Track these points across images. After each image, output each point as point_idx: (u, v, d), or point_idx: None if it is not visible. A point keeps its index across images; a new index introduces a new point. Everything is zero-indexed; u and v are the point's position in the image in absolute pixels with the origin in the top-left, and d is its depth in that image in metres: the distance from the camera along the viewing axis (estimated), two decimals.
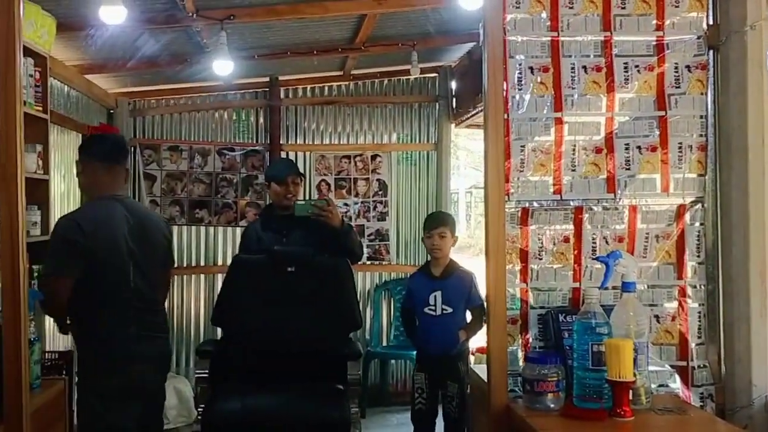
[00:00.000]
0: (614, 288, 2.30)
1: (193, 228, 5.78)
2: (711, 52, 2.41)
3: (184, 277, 5.77)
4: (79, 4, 3.62)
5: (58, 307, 2.91)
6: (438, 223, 3.89)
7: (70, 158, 4.65)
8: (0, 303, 2.04)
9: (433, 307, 3.75)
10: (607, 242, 2.37)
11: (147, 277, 2.96)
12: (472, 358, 4.69)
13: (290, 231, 3.77)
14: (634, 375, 2.05)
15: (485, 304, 3.64)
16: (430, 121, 6.04)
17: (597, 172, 2.37)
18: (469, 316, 3.82)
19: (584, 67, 2.36)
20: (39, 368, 2.37)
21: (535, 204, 2.35)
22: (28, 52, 3.47)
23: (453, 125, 6.10)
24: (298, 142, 5.92)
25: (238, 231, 5.67)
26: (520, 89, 2.35)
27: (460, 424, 3.71)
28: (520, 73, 2.35)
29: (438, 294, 3.75)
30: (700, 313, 2.40)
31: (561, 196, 2.36)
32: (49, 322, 4.19)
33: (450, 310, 3.73)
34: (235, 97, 5.86)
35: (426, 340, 3.79)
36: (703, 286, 2.40)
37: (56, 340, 4.39)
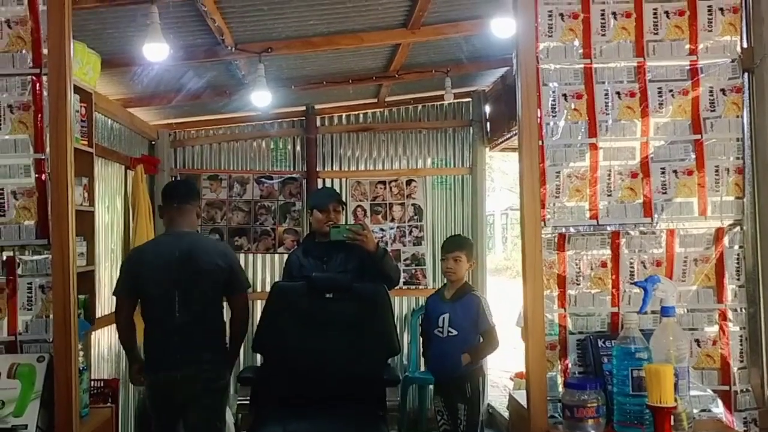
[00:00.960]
0: (653, 312, 2.28)
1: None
2: (746, 74, 2.39)
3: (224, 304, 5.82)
4: (123, 42, 3.74)
5: (118, 325, 3.55)
6: (453, 246, 4.00)
7: (114, 189, 4.78)
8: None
9: (441, 329, 3.84)
10: (645, 267, 2.36)
11: (191, 306, 3.14)
12: (511, 384, 4.67)
13: (330, 257, 3.82)
14: (675, 400, 2.03)
15: (494, 328, 3.74)
16: (464, 145, 6.09)
17: (633, 196, 2.36)
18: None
19: (618, 93, 2.37)
20: (87, 397, 2.42)
21: (572, 229, 2.35)
22: (75, 89, 3.57)
23: (487, 149, 6.13)
24: (334, 168, 6.01)
25: (277, 257, 5.77)
26: (554, 116, 2.36)
27: None
28: (553, 100, 2.36)
29: (446, 316, 3.84)
30: (741, 336, 2.37)
31: (597, 221, 2.35)
32: (94, 351, 4.28)
33: (455, 332, 3.81)
34: (272, 126, 5.98)
35: (434, 363, 3.90)
36: (743, 309, 2.37)
37: (102, 367, 4.48)
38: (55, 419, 2.06)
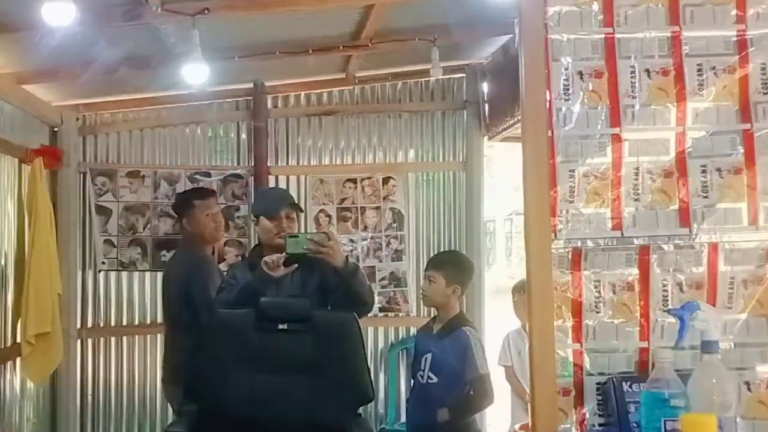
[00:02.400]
0: (692, 348, 2.31)
1: (159, 274, 5.81)
2: None
3: (148, 336, 5.84)
4: (16, 1, 3.70)
5: None
6: (429, 263, 4.14)
7: (4, 189, 4.75)
8: None
9: (422, 373, 3.90)
10: (681, 290, 2.39)
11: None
12: None
13: (283, 278, 3.82)
14: None
15: (487, 376, 3.76)
16: (457, 133, 6.14)
17: (666, 201, 2.39)
18: None
19: (647, 71, 2.40)
20: None
21: (590, 243, 2.37)
22: None
23: (485, 138, 6.16)
24: (290, 163, 6.04)
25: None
26: (567, 100, 2.38)
27: None
28: (566, 80, 2.38)
29: (429, 357, 3.89)
30: None
31: (622, 233, 2.37)
32: None
33: (435, 379, 3.85)
34: (210, 108, 5.99)
35: (409, 415, 4.01)
36: None
37: None
38: None
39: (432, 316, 4.18)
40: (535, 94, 2.32)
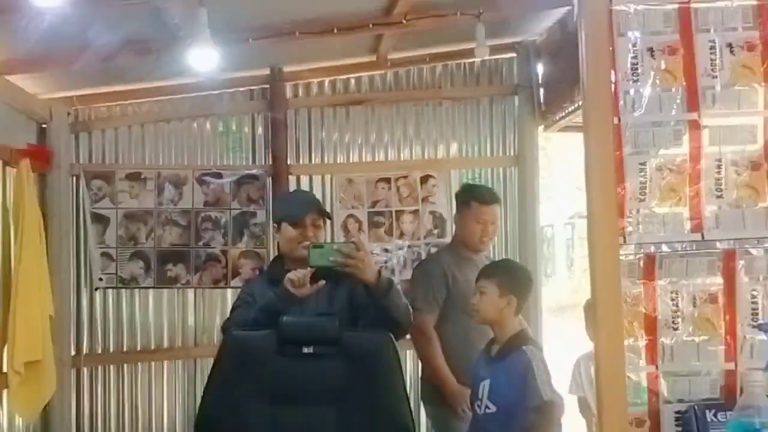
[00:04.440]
0: None
1: (165, 292, 5.90)
2: None
3: (153, 364, 5.88)
4: None
5: None
6: (480, 274, 4.10)
7: None
8: None
9: (480, 402, 3.89)
10: None
11: None
12: None
13: (308, 294, 3.85)
14: None
15: (552, 404, 3.75)
16: (507, 123, 6.15)
17: (755, 198, 2.39)
18: None
19: (729, 46, 2.41)
20: None
21: (665, 248, 2.39)
22: None
23: (541, 128, 6.16)
24: (313, 161, 6.07)
25: (230, 294, 5.78)
26: (635, 81, 2.39)
27: None
28: (635, 58, 2.40)
29: (486, 384, 3.88)
30: None
31: (702, 236, 2.39)
32: None
33: (493, 409, 3.83)
34: (221, 99, 6.01)
35: None
36: None
37: None
38: None
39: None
40: (598, 75, 2.32)
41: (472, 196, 4.94)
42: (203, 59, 4.54)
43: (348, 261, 3.68)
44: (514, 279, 4.05)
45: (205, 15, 4.22)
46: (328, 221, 4.32)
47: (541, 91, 6.02)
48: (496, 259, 5.63)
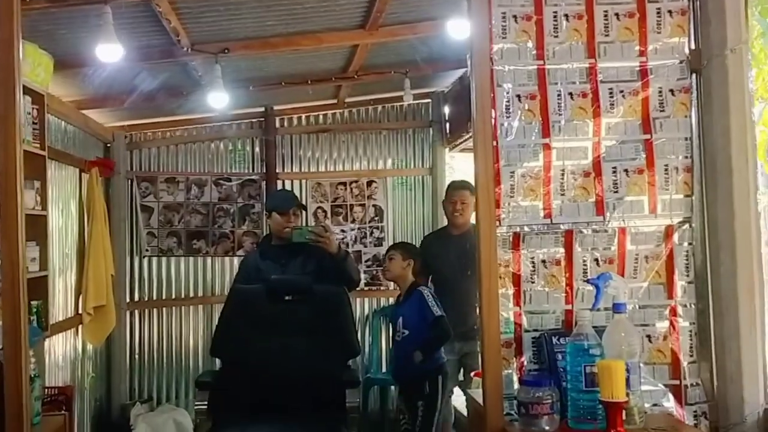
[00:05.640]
0: (606, 309, 2.33)
1: (191, 259, 5.83)
2: (694, 75, 2.46)
3: (182, 308, 5.81)
4: (76, 43, 3.69)
5: None
6: (390, 247, 4.26)
7: (68, 193, 4.72)
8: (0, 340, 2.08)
9: (399, 333, 3.95)
10: (597, 264, 2.42)
11: None
12: (475, 381, 4.71)
13: (288, 260, 3.84)
14: (627, 395, 2.08)
15: (442, 317, 3.84)
16: (425, 146, 6.13)
17: (586, 195, 2.41)
18: None
19: (570, 94, 2.42)
20: (39, 404, 2.39)
21: (526, 228, 2.40)
22: (26, 90, 3.53)
23: (447, 149, 6.16)
24: (294, 170, 6.00)
25: (236, 261, 5.72)
26: (508, 117, 2.40)
27: None
28: (508, 101, 2.40)
29: (401, 319, 3.94)
30: (691, 331, 2.44)
31: (551, 220, 2.40)
32: (49, 358, 4.22)
33: (407, 332, 3.91)
34: (230, 127, 5.94)
35: (393, 366, 4.04)
36: (693, 305, 2.44)
37: (56, 374, 4.42)
38: (6, 428, 2.04)
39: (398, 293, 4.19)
40: (483, 112, 2.33)
41: (449, 186, 4.77)
42: (218, 101, 4.49)
43: (318, 238, 3.69)
44: (410, 250, 4.17)
45: (219, 70, 4.18)
46: (303, 212, 4.31)
47: (447, 124, 6.02)
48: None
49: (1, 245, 2.03)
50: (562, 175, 2.41)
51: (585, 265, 2.42)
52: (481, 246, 2.30)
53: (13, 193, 2.00)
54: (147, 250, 5.72)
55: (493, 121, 2.36)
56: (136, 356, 5.72)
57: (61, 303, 4.53)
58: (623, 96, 2.43)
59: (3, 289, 2.02)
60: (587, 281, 2.37)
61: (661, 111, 2.44)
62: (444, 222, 4.94)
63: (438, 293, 4.04)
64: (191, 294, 5.84)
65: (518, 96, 2.40)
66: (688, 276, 2.45)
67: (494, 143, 2.36)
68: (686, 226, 2.45)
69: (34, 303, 3.71)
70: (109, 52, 3.24)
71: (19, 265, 2.01)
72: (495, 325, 2.29)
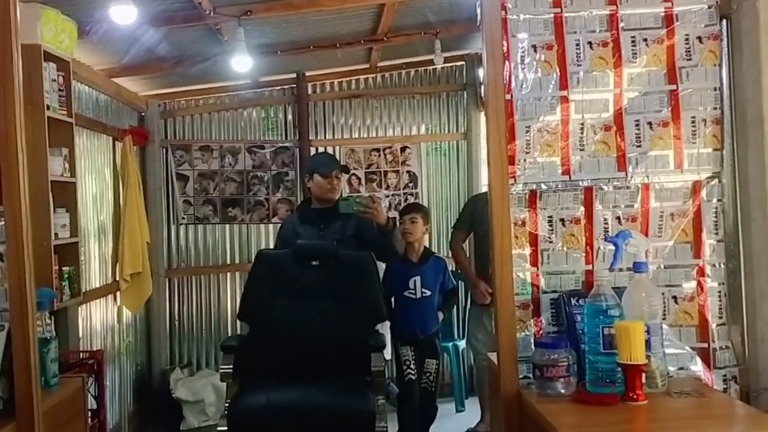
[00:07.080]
0: (629, 270, 2.21)
1: (227, 226, 5.83)
2: (723, 21, 2.30)
3: (219, 275, 5.83)
4: (96, 7, 3.66)
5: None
6: (410, 209, 4.33)
7: (102, 161, 4.74)
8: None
9: (413, 291, 4.09)
10: (619, 222, 2.29)
11: None
12: None
13: (328, 224, 3.82)
14: (647, 357, 1.98)
15: (455, 288, 4.13)
16: (459, 110, 5.99)
17: (607, 150, 2.29)
18: None
19: (590, 43, 2.28)
20: (57, 366, 2.40)
21: (543, 186, 2.28)
22: (50, 57, 3.53)
23: (482, 113, 6.00)
24: (327, 136, 5.93)
25: (271, 228, 5.73)
26: (523, 68, 2.28)
27: (435, 395, 4.11)
28: (523, 52, 2.28)
29: (417, 279, 4.09)
30: (720, 292, 2.30)
31: (570, 177, 2.28)
32: (84, 324, 4.28)
33: (429, 293, 4.12)
34: (262, 94, 5.88)
35: (408, 323, 4.07)
36: (722, 265, 2.30)
37: (93, 339, 4.49)
38: (15, 388, 2.04)
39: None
40: (495, 64, 2.21)
41: None
42: (241, 64, 4.43)
43: (366, 209, 3.65)
44: (428, 214, 4.40)
45: (242, 33, 4.12)
46: (345, 175, 4.33)
47: (482, 88, 5.85)
48: None
49: (3, 206, 2.01)
50: (582, 129, 2.28)
51: (606, 223, 2.30)
52: (493, 205, 2.20)
53: (14, 153, 1.97)
54: (183, 218, 5.74)
55: (507, 73, 2.24)
56: (176, 323, 5.78)
57: (96, 269, 4.58)
58: (647, 44, 2.28)
59: (7, 250, 2.01)
60: (607, 240, 2.25)
61: (687, 60, 2.29)
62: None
63: (482, 250, 4.20)
64: (228, 261, 5.85)
65: (534, 46, 2.28)
66: (717, 234, 2.31)
67: (509, 97, 2.25)
68: (715, 181, 2.30)
69: (65, 269, 3.74)
70: (123, 14, 3.20)
71: (23, 226, 1.99)
72: (508, 285, 2.19)
